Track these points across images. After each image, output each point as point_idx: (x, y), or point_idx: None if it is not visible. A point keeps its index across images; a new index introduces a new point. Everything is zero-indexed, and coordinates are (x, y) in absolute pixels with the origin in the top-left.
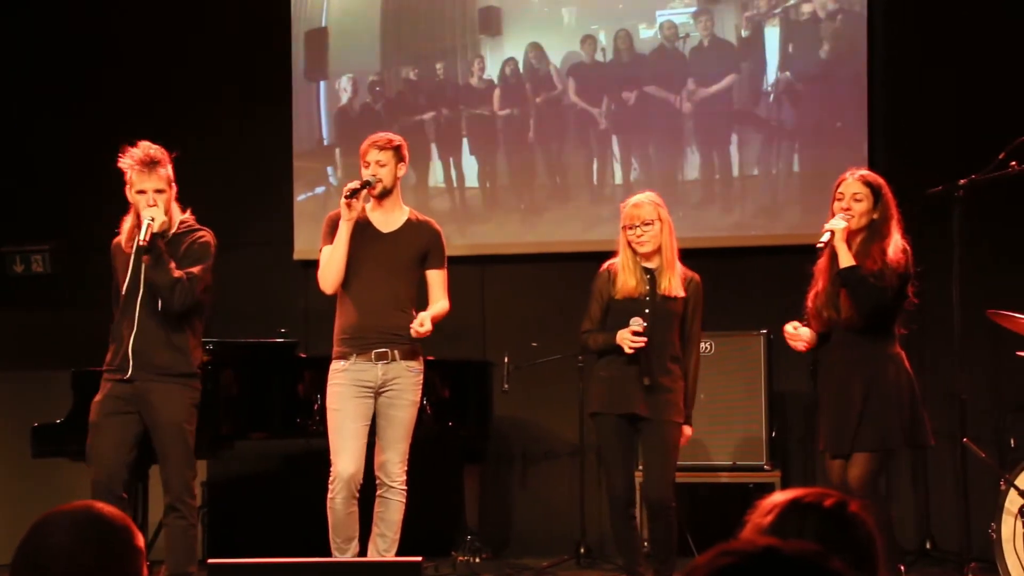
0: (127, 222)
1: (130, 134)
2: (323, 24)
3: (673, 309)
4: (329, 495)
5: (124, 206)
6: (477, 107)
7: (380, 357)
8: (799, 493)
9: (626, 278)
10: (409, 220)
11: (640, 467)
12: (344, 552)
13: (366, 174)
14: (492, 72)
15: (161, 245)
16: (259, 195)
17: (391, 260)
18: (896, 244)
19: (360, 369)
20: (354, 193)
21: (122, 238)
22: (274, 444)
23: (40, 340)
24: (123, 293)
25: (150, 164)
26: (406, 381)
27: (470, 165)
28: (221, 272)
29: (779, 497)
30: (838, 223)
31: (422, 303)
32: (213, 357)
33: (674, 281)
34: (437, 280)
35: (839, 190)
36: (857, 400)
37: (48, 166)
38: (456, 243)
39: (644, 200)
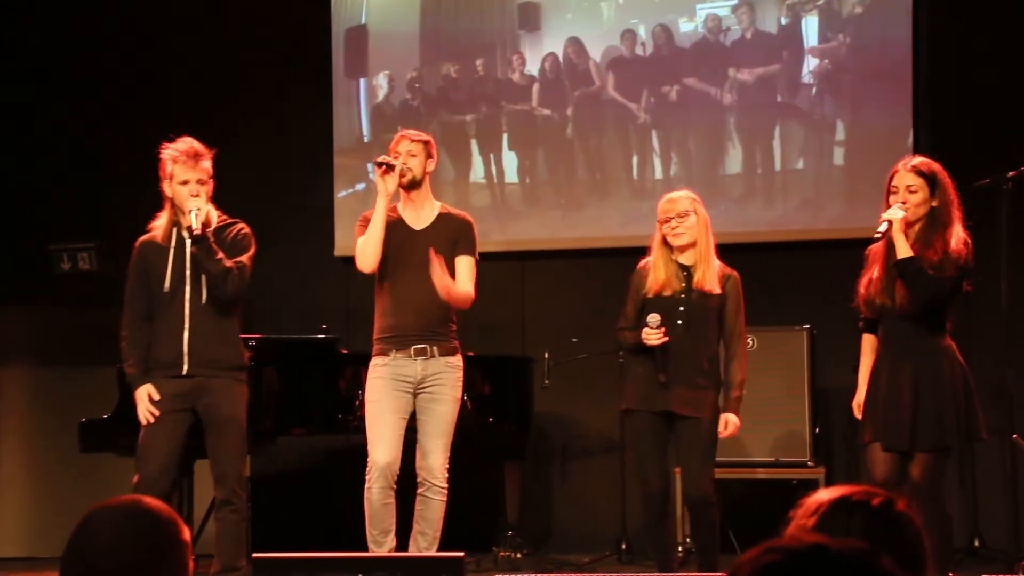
0: (160, 218)
1: (172, 132)
2: (363, 21)
3: (709, 306)
4: (366, 485)
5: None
6: (517, 103)
7: (419, 353)
8: (845, 491)
9: (657, 273)
10: (440, 215)
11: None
12: (381, 545)
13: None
14: (531, 67)
15: (209, 235)
16: (300, 192)
17: (424, 256)
18: (958, 235)
19: (399, 364)
20: (387, 165)
21: (157, 234)
22: (316, 440)
23: (87, 336)
24: (165, 289)
25: (194, 156)
26: (447, 377)
27: (510, 161)
28: (262, 269)
29: (825, 495)
30: (896, 212)
31: None
32: (255, 354)
33: (709, 276)
34: (463, 264)
35: (892, 183)
36: (908, 395)
37: (93, 164)
38: (496, 239)
39: (680, 195)
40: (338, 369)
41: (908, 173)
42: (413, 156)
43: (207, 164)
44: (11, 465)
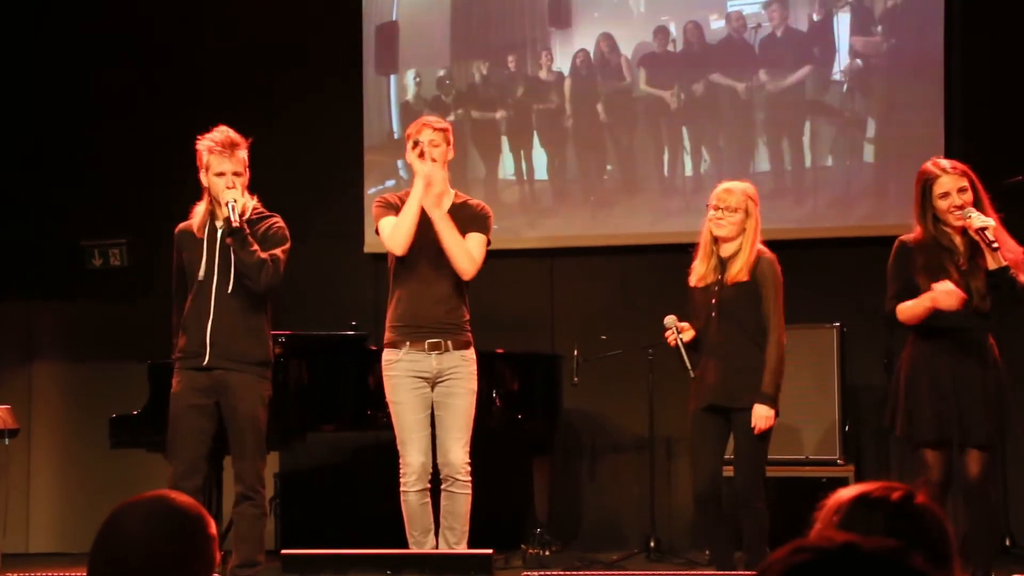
0: (198, 208)
1: (203, 127)
2: (394, 18)
3: (738, 295)
4: (402, 488)
5: (199, 198)
6: (547, 99)
7: (433, 348)
8: (865, 488)
9: (698, 266)
10: (455, 203)
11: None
12: (422, 545)
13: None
14: (562, 64)
15: (245, 226)
16: (330, 188)
17: (439, 246)
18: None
19: (413, 360)
20: (421, 151)
21: (193, 223)
22: (345, 437)
23: (118, 332)
24: (199, 279)
25: (230, 146)
26: (462, 370)
27: (540, 158)
28: (291, 265)
29: (845, 493)
30: (988, 220)
31: (476, 292)
32: (284, 349)
33: (741, 267)
34: (472, 238)
35: (938, 191)
36: (977, 391)
37: (125, 160)
38: (526, 236)
39: (737, 187)
40: (368, 365)
41: (954, 176)
42: (436, 146)
43: (243, 154)
44: (42, 459)
